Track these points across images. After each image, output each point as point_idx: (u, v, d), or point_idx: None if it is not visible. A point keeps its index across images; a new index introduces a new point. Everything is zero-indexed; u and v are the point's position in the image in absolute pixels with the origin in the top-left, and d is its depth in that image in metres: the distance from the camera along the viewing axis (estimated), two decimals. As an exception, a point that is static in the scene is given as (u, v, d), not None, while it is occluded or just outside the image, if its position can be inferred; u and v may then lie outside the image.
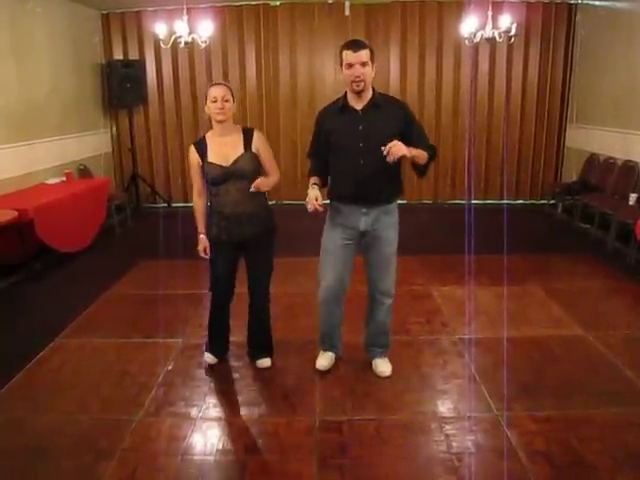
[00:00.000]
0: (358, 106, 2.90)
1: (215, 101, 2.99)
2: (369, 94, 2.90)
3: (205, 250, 3.20)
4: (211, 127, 3.14)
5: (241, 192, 3.05)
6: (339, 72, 2.89)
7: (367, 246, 3.10)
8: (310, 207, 2.86)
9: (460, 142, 8.04)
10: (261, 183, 3.03)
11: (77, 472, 2.51)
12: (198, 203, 3.22)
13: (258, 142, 3.13)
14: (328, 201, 3.12)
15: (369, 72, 2.82)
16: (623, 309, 4.35)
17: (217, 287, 3.27)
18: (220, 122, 3.04)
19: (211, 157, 3.06)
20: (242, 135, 3.11)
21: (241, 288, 3.34)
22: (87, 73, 7.42)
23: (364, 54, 2.78)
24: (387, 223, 3.05)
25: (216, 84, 3.08)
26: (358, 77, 2.79)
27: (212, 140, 3.10)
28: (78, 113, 7.12)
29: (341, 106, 2.95)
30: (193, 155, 3.12)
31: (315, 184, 3.02)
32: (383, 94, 3.03)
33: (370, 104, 2.90)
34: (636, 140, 6.15)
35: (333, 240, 3.10)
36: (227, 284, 3.26)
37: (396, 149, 2.72)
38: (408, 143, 2.82)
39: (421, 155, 2.91)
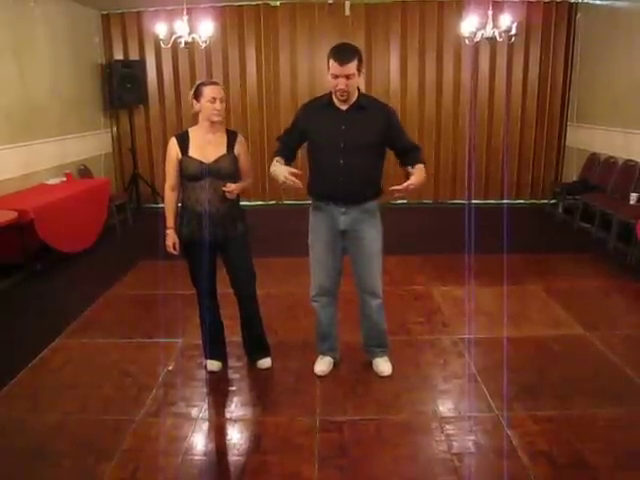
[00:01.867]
0: (342, 106, 2.91)
1: (213, 102, 2.95)
2: (354, 96, 2.90)
3: (174, 246, 3.12)
4: (196, 122, 3.10)
5: (216, 192, 3.01)
6: (327, 73, 2.86)
7: (349, 246, 3.10)
8: (290, 182, 2.76)
9: (460, 142, 8.03)
10: (235, 188, 3.01)
11: (77, 472, 2.51)
12: (169, 197, 3.15)
13: (240, 146, 3.12)
14: (309, 200, 3.13)
15: (354, 83, 2.82)
16: (624, 309, 4.35)
17: (199, 283, 3.21)
18: (214, 122, 3.02)
19: (192, 152, 3.03)
20: (226, 136, 3.09)
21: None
22: (87, 73, 7.42)
23: (351, 67, 2.75)
24: (367, 223, 3.04)
25: (211, 83, 3.01)
26: (342, 90, 2.80)
27: (195, 136, 3.07)
28: (78, 113, 7.13)
29: (326, 104, 2.95)
30: (173, 148, 3.07)
31: (278, 161, 2.97)
32: (368, 96, 3.05)
33: (354, 105, 2.90)
34: (637, 139, 6.15)
35: (319, 240, 3.11)
36: (207, 281, 3.20)
37: (414, 188, 2.79)
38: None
39: (422, 174, 2.91)
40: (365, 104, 2.93)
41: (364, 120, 2.90)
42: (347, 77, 2.77)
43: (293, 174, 2.78)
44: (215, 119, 3.00)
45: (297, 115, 3.10)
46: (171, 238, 3.13)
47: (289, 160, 3.09)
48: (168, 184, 3.15)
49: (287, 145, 3.11)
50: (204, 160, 3.01)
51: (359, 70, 2.81)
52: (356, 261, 3.13)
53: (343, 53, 2.78)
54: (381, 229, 3.11)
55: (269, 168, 3.00)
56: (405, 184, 2.77)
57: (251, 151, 7.85)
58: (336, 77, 2.78)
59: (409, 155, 3.02)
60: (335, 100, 2.91)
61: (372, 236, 3.07)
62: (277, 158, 3.01)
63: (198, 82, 3.05)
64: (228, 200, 3.05)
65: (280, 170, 2.85)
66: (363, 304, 3.23)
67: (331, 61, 2.79)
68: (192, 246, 3.11)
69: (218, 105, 2.96)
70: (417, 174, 2.88)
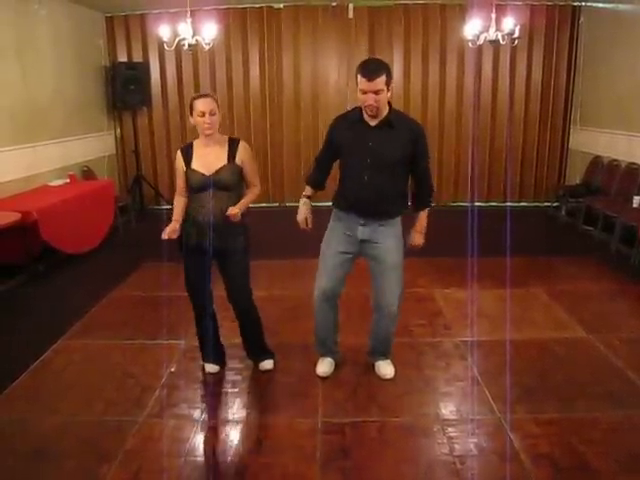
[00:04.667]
0: (372, 122, 2.88)
1: (203, 115, 2.94)
2: (384, 112, 2.86)
3: (172, 232, 3.00)
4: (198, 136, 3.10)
5: (219, 203, 3.00)
6: (354, 86, 2.85)
7: (367, 255, 3.09)
8: (304, 227, 3.16)
9: (463, 144, 8.04)
10: (237, 210, 2.96)
11: (80, 473, 2.51)
12: (179, 200, 3.17)
13: (243, 154, 3.09)
14: (332, 205, 3.14)
15: (383, 98, 2.78)
16: (626, 311, 4.34)
17: (191, 289, 3.20)
18: (208, 135, 3.02)
19: (195, 164, 3.04)
20: (227, 146, 3.08)
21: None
22: (91, 75, 7.45)
23: (379, 82, 2.71)
24: (387, 233, 3.02)
25: (201, 96, 3.00)
26: (371, 105, 2.77)
27: (198, 148, 3.08)
28: (82, 115, 7.15)
29: (356, 118, 2.92)
30: (179, 161, 3.10)
31: (307, 197, 3.17)
32: (399, 112, 2.99)
33: (383, 122, 2.87)
34: (640, 142, 6.15)
35: (331, 246, 3.11)
36: (200, 286, 3.17)
37: (415, 247, 3.17)
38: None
39: (425, 220, 3.21)
40: (395, 121, 2.88)
41: (391, 138, 2.87)
42: (376, 93, 2.73)
43: (307, 222, 3.15)
44: (207, 132, 2.99)
45: (329, 129, 3.09)
46: (172, 225, 3.05)
47: (320, 183, 3.22)
48: (177, 192, 3.19)
49: (321, 164, 3.19)
50: (206, 172, 3.01)
51: (388, 85, 2.76)
52: (374, 272, 3.11)
53: (371, 68, 2.74)
54: (402, 241, 3.09)
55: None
56: (414, 244, 3.19)
57: (254, 154, 7.87)
58: (365, 93, 2.75)
59: (418, 191, 3.12)
60: (364, 114, 2.89)
61: (390, 247, 3.03)
62: (305, 191, 3.20)
63: (192, 96, 3.06)
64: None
65: (301, 212, 3.17)
66: (377, 315, 3.21)
67: (359, 77, 2.75)
68: (190, 254, 3.10)
69: (207, 119, 2.95)
70: (419, 227, 3.20)
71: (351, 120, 2.96)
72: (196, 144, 3.11)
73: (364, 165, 2.89)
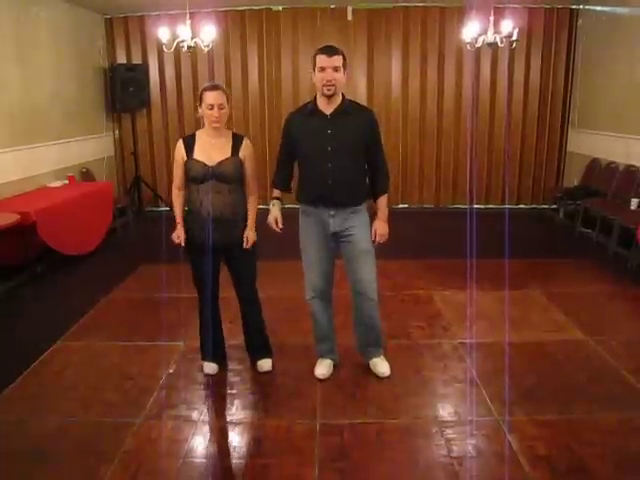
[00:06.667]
0: (327, 111, 2.94)
1: (211, 109, 2.95)
2: (338, 99, 2.94)
3: (179, 237, 3.13)
4: (203, 125, 3.11)
5: (220, 195, 3.02)
6: (312, 76, 2.93)
7: (341, 246, 3.13)
8: (273, 227, 3.13)
9: (462, 146, 8.05)
10: (252, 236, 3.13)
11: (78, 474, 2.51)
12: (177, 195, 3.21)
13: (246, 150, 3.11)
14: (298, 205, 3.16)
15: (340, 77, 2.87)
16: (624, 314, 4.35)
17: (200, 284, 3.23)
18: (215, 128, 3.04)
19: (197, 155, 3.04)
20: (231, 140, 3.10)
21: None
22: (90, 77, 7.46)
23: (337, 59, 2.84)
24: (357, 221, 3.06)
25: (211, 88, 2.99)
26: (330, 81, 2.84)
27: (201, 138, 3.08)
28: (81, 117, 7.16)
29: (310, 110, 2.98)
30: (179, 150, 3.09)
31: (277, 199, 3.18)
32: (352, 101, 3.07)
33: (339, 109, 2.94)
34: (637, 145, 6.16)
35: (309, 242, 3.14)
36: (209, 283, 3.19)
37: (381, 237, 3.10)
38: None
39: (386, 207, 3.16)
40: (349, 108, 2.97)
41: (349, 124, 2.94)
42: (334, 69, 2.83)
43: (277, 224, 3.12)
44: (214, 125, 3.01)
45: (284, 126, 3.12)
46: (179, 231, 3.15)
47: (286, 184, 3.23)
48: (175, 184, 3.22)
49: (282, 164, 3.19)
50: (208, 162, 3.02)
51: (344, 67, 2.88)
52: (348, 260, 3.14)
53: (329, 48, 2.88)
54: (370, 228, 3.13)
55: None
56: (376, 240, 3.11)
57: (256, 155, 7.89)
58: (323, 70, 2.84)
59: (375, 178, 3.11)
60: (319, 104, 2.95)
61: (362, 234, 3.08)
62: (274, 193, 3.21)
63: (203, 86, 3.06)
64: (233, 206, 3.06)
65: (272, 214, 3.14)
66: (357, 305, 3.23)
67: (318, 57, 2.86)
68: (195, 249, 3.12)
69: (216, 112, 2.96)
70: (381, 215, 3.13)
71: (305, 113, 3.02)
72: (199, 135, 3.10)
73: (326, 153, 2.94)
